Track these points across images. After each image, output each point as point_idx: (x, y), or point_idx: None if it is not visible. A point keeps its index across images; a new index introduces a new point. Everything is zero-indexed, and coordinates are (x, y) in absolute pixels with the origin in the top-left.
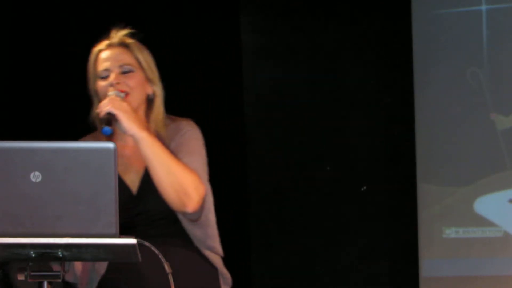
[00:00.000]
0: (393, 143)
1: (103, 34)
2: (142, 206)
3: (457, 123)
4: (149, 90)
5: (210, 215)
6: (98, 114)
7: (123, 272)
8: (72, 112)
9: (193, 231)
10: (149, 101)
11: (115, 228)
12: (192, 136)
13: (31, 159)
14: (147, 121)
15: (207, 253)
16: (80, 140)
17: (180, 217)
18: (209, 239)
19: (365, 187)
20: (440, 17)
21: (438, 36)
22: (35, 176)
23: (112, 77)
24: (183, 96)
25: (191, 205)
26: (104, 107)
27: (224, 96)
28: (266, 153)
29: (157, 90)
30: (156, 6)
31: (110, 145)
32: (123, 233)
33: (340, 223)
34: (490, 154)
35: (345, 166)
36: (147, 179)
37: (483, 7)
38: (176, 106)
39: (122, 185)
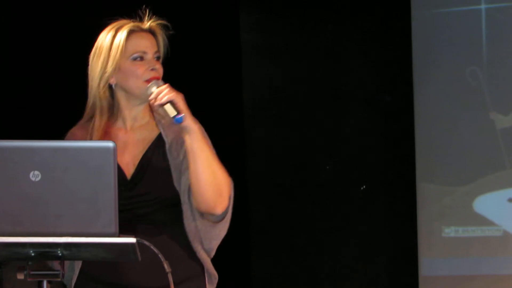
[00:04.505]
0: (393, 142)
1: (96, 32)
2: (136, 191)
3: (457, 122)
4: None
5: (229, 217)
6: (151, 100)
7: (101, 262)
8: (70, 111)
9: (206, 232)
10: None
11: (115, 227)
12: (205, 134)
13: (31, 158)
14: (150, 113)
15: (200, 253)
16: (71, 130)
17: (196, 220)
18: (215, 240)
19: (364, 186)
20: (439, 16)
21: (437, 35)
22: (35, 175)
23: (154, 62)
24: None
25: (222, 207)
26: (166, 94)
27: (223, 94)
28: (265, 152)
29: None
30: (155, 3)
31: (109, 144)
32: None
33: (339, 222)
34: (489, 153)
35: (345, 165)
36: (144, 165)
37: (482, 6)
38: None
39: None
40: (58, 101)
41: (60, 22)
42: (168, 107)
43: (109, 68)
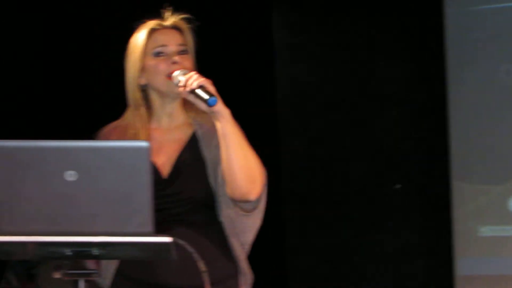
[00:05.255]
0: (427, 141)
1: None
2: (171, 190)
3: (491, 120)
4: None
5: (263, 207)
6: (180, 88)
7: (137, 261)
8: (104, 111)
9: (241, 223)
10: None
11: (150, 226)
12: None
13: (66, 158)
14: (188, 107)
15: (236, 249)
16: (107, 128)
17: (230, 208)
18: (250, 232)
19: (399, 185)
20: (473, 13)
21: (471, 32)
22: (70, 175)
23: (177, 57)
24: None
25: (255, 193)
26: (195, 80)
27: (256, 93)
28: (299, 150)
29: None
30: (189, 3)
31: (144, 144)
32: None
33: (374, 222)
34: None
35: (379, 164)
36: (179, 164)
37: None
38: None
39: (152, 167)
40: (93, 101)
41: (97, 25)
42: (200, 92)
43: (136, 69)
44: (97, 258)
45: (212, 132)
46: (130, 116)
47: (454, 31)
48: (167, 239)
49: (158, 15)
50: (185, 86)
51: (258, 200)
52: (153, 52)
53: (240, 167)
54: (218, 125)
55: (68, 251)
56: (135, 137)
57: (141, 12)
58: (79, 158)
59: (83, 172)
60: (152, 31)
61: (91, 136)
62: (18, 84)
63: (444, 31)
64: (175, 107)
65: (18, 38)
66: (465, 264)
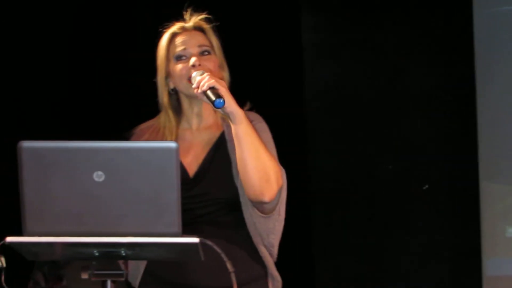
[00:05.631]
0: (455, 141)
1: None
2: (198, 190)
3: None
4: (220, 75)
5: (282, 211)
6: (193, 90)
7: (165, 262)
8: (131, 111)
9: (260, 224)
10: None
11: (178, 227)
12: (262, 128)
13: (94, 159)
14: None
15: (262, 251)
16: (141, 127)
17: (250, 208)
18: (273, 235)
19: (427, 186)
20: (501, 14)
21: (500, 33)
22: (98, 176)
23: (194, 58)
24: (244, 94)
25: (269, 195)
26: (206, 81)
27: (285, 93)
28: (327, 151)
29: (226, 76)
30: (217, 5)
31: (172, 144)
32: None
33: (402, 222)
34: None
35: (407, 164)
36: (206, 164)
37: None
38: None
39: (180, 167)
40: (119, 101)
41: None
42: (209, 93)
43: (162, 74)
44: (124, 258)
45: None
46: (162, 117)
47: (482, 31)
48: (194, 239)
49: (182, 17)
50: (198, 87)
51: (274, 203)
52: (175, 56)
53: (253, 168)
54: (232, 125)
55: (95, 252)
56: (163, 137)
57: (170, 13)
58: (107, 159)
59: (111, 173)
60: (173, 35)
61: (123, 133)
62: (47, 85)
63: (473, 31)
64: (203, 108)
65: (45, 40)
66: (493, 265)
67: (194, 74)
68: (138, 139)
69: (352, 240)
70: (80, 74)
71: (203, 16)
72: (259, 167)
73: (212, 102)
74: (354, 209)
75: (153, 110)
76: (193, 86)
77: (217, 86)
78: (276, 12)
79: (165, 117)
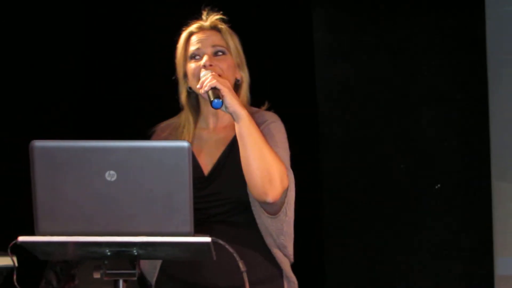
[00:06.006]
0: (467, 141)
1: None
2: (212, 188)
3: None
4: (238, 75)
5: (289, 212)
6: (198, 89)
7: (179, 261)
8: (144, 111)
9: (268, 225)
10: (236, 87)
11: (190, 226)
12: (276, 127)
13: (107, 158)
14: None
15: (275, 252)
16: (161, 125)
17: (257, 207)
18: (282, 236)
19: (439, 185)
20: None
21: None
22: (110, 175)
23: (205, 58)
24: (255, 94)
25: (273, 195)
26: (209, 82)
27: (297, 93)
28: (339, 150)
29: (244, 76)
30: (228, 4)
31: (184, 144)
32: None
33: (414, 222)
34: None
35: (419, 164)
36: (221, 163)
37: None
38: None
39: (195, 165)
40: (132, 101)
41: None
42: (209, 93)
43: (181, 74)
44: (137, 258)
45: None
46: (182, 115)
47: (495, 31)
48: (206, 239)
49: (199, 17)
50: (201, 87)
51: (280, 203)
52: (190, 55)
53: (256, 168)
54: (236, 125)
55: (107, 251)
56: (181, 136)
57: (183, 13)
58: (119, 158)
59: (123, 172)
60: (190, 34)
61: (147, 131)
62: (60, 85)
63: (485, 31)
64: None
65: (59, 40)
66: (504, 264)
67: (202, 73)
68: (159, 136)
69: (364, 239)
70: (93, 74)
71: (219, 16)
72: (261, 167)
73: (210, 103)
74: (366, 208)
75: (167, 109)
76: (197, 86)
77: (219, 86)
78: (287, 11)
79: (185, 115)
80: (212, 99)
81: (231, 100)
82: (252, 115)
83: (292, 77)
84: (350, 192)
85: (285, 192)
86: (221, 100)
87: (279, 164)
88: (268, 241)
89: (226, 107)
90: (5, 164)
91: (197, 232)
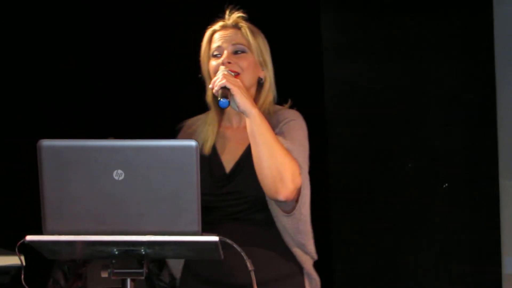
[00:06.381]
0: (475, 140)
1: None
2: (232, 187)
3: None
4: (261, 73)
5: (304, 210)
6: (211, 89)
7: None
8: (152, 110)
9: (284, 223)
10: (260, 85)
11: (197, 225)
12: (296, 125)
13: (114, 157)
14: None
15: (295, 250)
16: (189, 122)
17: (273, 206)
18: (299, 234)
19: (447, 184)
20: None
21: None
22: (118, 174)
23: (225, 56)
24: None
25: (284, 194)
26: (219, 81)
27: (304, 93)
28: (346, 150)
29: (268, 74)
30: (239, 4)
31: (192, 143)
32: (213, 210)
33: (421, 220)
34: None
35: (427, 163)
36: (242, 162)
37: None
38: None
39: (218, 163)
40: (143, 101)
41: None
42: (219, 93)
43: (205, 72)
44: (144, 257)
45: (276, 132)
46: (209, 113)
47: (503, 30)
48: (214, 238)
49: (223, 15)
50: (213, 87)
51: (293, 202)
52: (211, 54)
53: (266, 167)
54: (247, 124)
55: (115, 250)
56: (206, 134)
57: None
58: (127, 158)
59: (131, 171)
60: (213, 33)
61: (175, 127)
62: (68, 85)
63: (493, 30)
64: None
65: (66, 40)
66: None
67: (219, 72)
68: (185, 132)
69: (371, 238)
70: (98, 73)
71: (241, 14)
72: (272, 166)
73: (217, 102)
74: (373, 207)
75: (174, 108)
76: (209, 86)
77: (228, 85)
78: (296, 11)
79: (211, 113)
80: (219, 98)
81: (241, 99)
82: (274, 113)
83: (300, 77)
84: (358, 192)
85: (298, 190)
86: (227, 100)
87: (291, 162)
88: (287, 239)
89: (237, 106)
90: (5, 164)
91: (216, 230)
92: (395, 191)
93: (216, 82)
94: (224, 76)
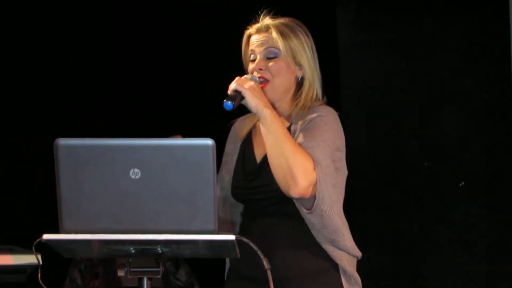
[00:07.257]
0: (492, 138)
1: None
2: (260, 180)
3: None
4: (298, 73)
5: (324, 206)
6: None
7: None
8: (168, 109)
9: (309, 218)
10: (300, 84)
11: (214, 224)
12: (322, 121)
13: (131, 156)
14: (294, 103)
15: (326, 247)
16: (241, 117)
17: (297, 202)
18: (325, 230)
19: (463, 183)
20: None
21: None
22: (135, 173)
23: (256, 61)
24: None
25: (297, 190)
26: (231, 85)
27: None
28: (362, 148)
29: (306, 73)
30: (251, 2)
31: (208, 142)
32: (248, 204)
33: (438, 219)
34: None
35: (443, 161)
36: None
37: None
38: None
39: (252, 157)
40: (159, 101)
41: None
42: (230, 96)
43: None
44: (161, 256)
45: (303, 128)
46: None
47: None
48: (230, 237)
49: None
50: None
51: (309, 198)
52: (250, 59)
53: (278, 165)
54: (261, 125)
55: (132, 249)
56: (245, 128)
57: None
58: (143, 156)
59: (147, 170)
60: (249, 36)
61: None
62: (85, 84)
63: (509, 28)
64: (277, 103)
65: (84, 38)
66: None
67: (237, 78)
68: (235, 127)
69: (387, 238)
70: (115, 72)
71: (270, 18)
72: (282, 164)
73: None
74: (390, 206)
75: (190, 107)
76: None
77: (240, 88)
78: (312, 8)
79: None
80: (224, 101)
81: (252, 100)
82: (308, 109)
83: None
84: (373, 190)
85: (314, 187)
86: (232, 102)
87: (303, 160)
88: (315, 234)
89: (250, 108)
90: (5, 164)
91: (247, 224)
92: (411, 189)
93: (230, 87)
94: (238, 79)
